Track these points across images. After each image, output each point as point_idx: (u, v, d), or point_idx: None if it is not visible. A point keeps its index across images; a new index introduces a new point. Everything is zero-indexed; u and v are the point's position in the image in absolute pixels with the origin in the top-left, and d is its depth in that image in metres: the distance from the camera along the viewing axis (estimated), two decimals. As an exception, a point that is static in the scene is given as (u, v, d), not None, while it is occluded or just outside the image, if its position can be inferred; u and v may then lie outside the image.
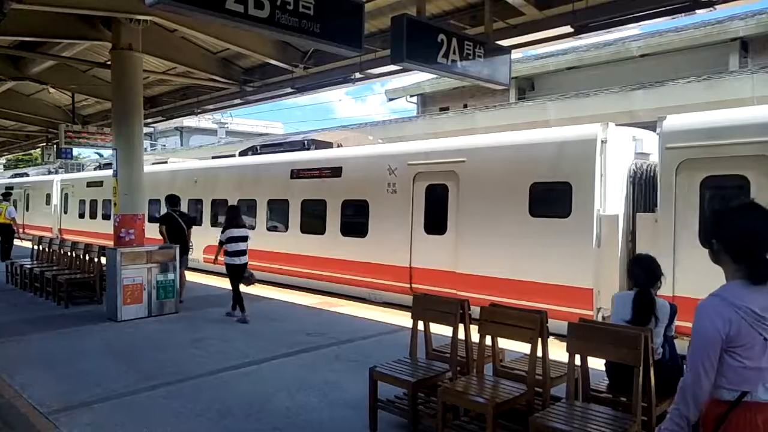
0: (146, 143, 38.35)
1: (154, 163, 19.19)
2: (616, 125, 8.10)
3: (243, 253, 8.44)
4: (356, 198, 11.00)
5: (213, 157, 17.25)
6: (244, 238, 8.48)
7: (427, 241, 9.71)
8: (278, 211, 12.79)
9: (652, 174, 7.76)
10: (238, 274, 8.48)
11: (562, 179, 8.05)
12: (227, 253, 8.40)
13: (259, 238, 12.54)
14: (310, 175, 12.00)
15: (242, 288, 8.61)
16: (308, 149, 13.24)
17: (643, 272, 3.89)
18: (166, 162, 19.26)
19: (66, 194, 22.87)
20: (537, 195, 8.31)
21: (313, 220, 11.89)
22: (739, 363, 2.03)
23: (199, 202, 15.10)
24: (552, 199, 8.22)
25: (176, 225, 9.59)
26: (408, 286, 9.79)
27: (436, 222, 9.63)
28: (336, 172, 11.45)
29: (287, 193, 12.50)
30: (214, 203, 14.61)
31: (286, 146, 14.13)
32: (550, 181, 8.20)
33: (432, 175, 9.77)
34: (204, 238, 13.96)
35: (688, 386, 2.08)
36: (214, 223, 14.39)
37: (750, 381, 2.03)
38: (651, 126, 8.00)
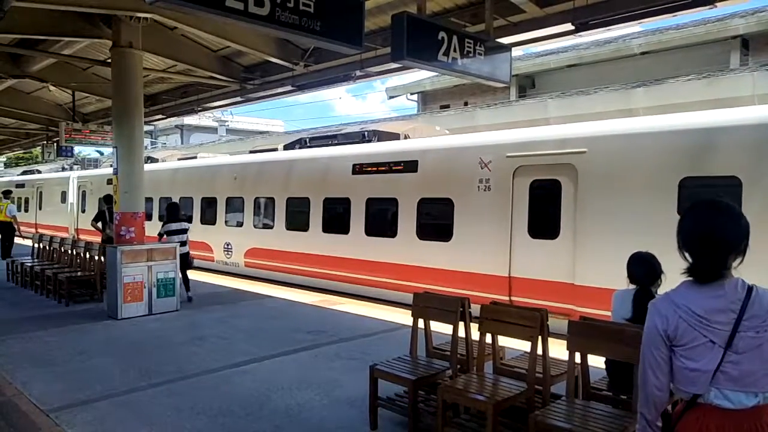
0: (146, 141, 38.53)
1: (180, 158, 18.23)
2: None
3: (183, 244, 9.60)
4: (437, 196, 9.60)
5: (251, 152, 15.83)
6: (183, 231, 9.79)
7: (533, 247, 8.29)
8: (337, 211, 11.40)
9: None
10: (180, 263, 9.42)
11: (726, 173, 6.68)
12: None
13: (314, 241, 11.63)
14: (378, 170, 10.65)
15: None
16: (369, 141, 11.84)
17: (643, 270, 3.89)
18: (194, 157, 17.83)
19: (84, 192, 21.32)
20: (690, 193, 6.90)
21: (382, 221, 10.57)
22: (682, 364, 2.02)
23: (239, 200, 13.71)
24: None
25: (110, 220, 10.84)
26: (507, 298, 8.39)
27: (544, 224, 8.21)
28: (410, 166, 10.06)
29: (348, 190, 11.10)
30: (258, 202, 13.30)
31: (341, 138, 12.70)
32: (710, 175, 6.82)
33: (539, 169, 8.30)
34: (246, 239, 13.14)
35: (639, 384, 2.13)
36: (257, 224, 13.22)
37: (696, 383, 2.00)
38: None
